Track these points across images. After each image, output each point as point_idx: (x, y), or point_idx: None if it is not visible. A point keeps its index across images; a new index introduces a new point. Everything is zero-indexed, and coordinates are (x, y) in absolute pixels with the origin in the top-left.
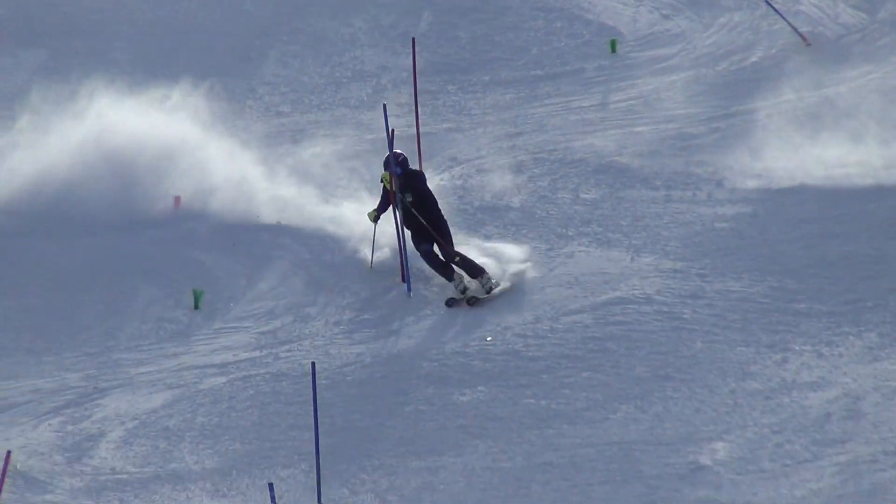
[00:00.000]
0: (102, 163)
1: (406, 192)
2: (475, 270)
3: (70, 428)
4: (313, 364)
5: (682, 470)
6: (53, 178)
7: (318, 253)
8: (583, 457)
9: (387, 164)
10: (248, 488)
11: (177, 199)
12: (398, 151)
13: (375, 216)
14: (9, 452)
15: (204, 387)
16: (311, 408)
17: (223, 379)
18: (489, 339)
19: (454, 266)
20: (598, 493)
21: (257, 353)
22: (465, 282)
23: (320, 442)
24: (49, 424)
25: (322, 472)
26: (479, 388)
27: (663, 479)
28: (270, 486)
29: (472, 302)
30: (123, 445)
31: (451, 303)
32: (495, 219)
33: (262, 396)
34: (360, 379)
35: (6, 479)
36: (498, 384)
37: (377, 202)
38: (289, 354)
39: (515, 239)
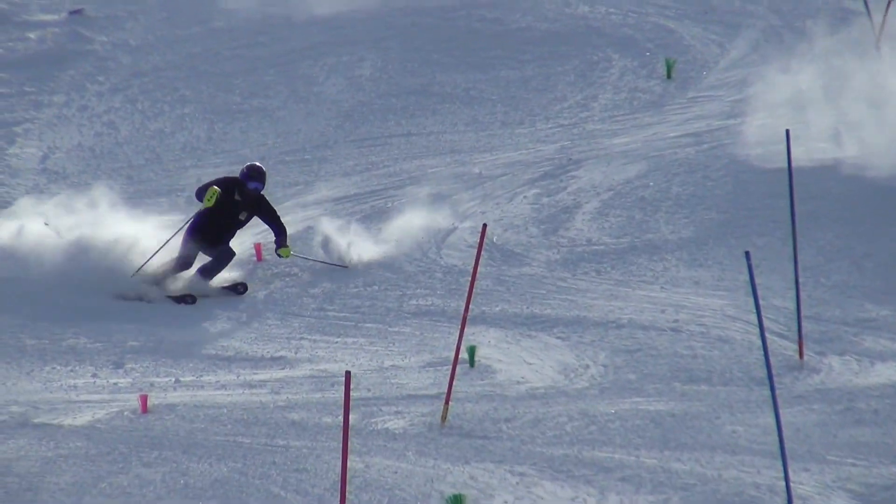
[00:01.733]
0: None
1: (244, 211)
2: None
3: (545, 200)
4: (787, 131)
5: None
6: None
7: (790, 19)
8: None
9: (247, 178)
10: (725, 257)
11: None
12: (258, 164)
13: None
14: (484, 225)
15: (679, 156)
16: (786, 175)
17: (698, 148)
18: None
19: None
20: None
21: (731, 122)
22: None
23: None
24: (524, 197)
25: (798, 239)
26: None
27: None
28: (747, 254)
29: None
30: (599, 217)
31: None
32: None
33: (736, 165)
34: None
35: (483, 253)
36: None
37: None
38: (763, 122)
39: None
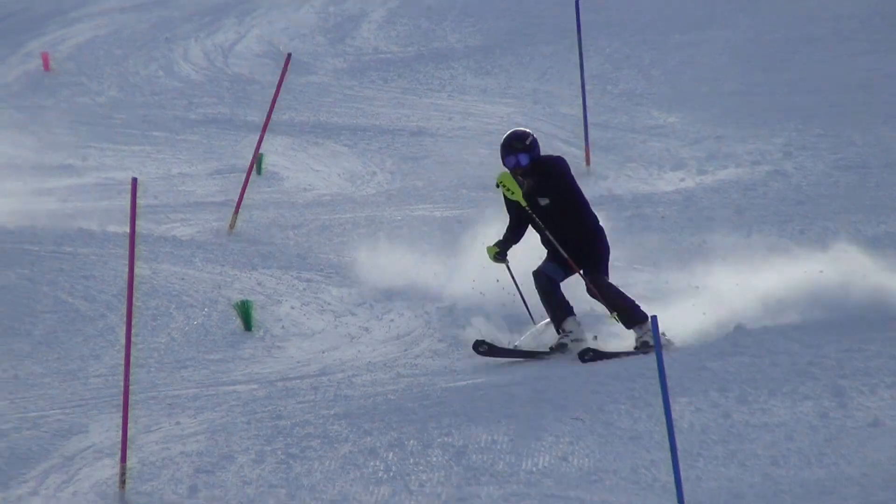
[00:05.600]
0: None
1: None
2: (632, 317)
3: (332, 9)
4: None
5: None
6: None
7: None
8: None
9: (508, 153)
10: (512, 65)
11: None
12: (523, 130)
13: (497, 252)
14: (289, 55)
15: None
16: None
17: None
18: None
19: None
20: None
21: None
22: (577, 337)
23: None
24: (311, 6)
25: (586, 47)
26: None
27: None
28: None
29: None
30: (386, 25)
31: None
32: None
33: None
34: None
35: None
36: None
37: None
38: None
39: None
